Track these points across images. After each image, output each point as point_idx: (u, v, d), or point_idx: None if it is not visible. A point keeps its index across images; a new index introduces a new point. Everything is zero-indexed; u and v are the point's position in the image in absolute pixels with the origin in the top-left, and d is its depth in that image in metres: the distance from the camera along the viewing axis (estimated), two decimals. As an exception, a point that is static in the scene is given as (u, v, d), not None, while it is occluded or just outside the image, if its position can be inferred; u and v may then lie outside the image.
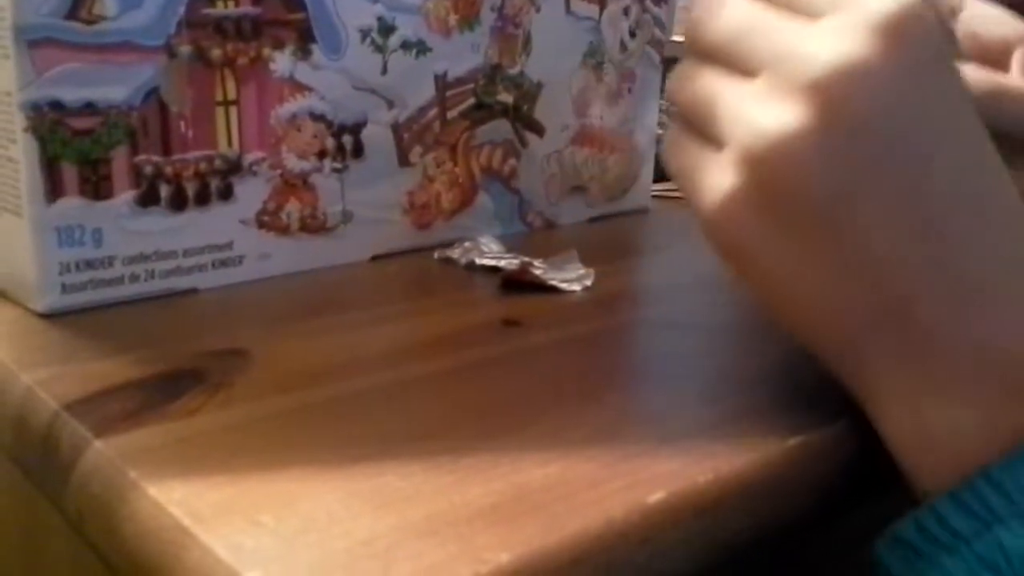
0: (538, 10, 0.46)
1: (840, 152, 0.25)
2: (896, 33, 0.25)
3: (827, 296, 0.27)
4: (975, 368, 0.25)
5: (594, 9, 0.49)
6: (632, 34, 0.51)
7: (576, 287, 0.40)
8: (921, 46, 0.25)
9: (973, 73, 0.37)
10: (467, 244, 0.44)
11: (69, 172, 0.34)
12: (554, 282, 0.40)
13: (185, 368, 0.31)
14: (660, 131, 0.55)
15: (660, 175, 0.55)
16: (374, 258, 0.43)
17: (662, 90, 0.54)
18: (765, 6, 0.28)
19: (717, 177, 0.27)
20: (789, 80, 0.25)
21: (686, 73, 0.29)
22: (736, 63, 0.27)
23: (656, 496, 0.24)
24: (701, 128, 0.28)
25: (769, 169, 0.26)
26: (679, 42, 0.55)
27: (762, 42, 0.27)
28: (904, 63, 0.25)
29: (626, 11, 0.50)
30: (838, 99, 0.25)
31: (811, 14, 0.26)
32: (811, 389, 0.30)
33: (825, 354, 0.28)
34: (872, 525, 0.27)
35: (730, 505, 0.25)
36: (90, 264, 0.35)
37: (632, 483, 0.24)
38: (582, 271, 0.41)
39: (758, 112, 0.26)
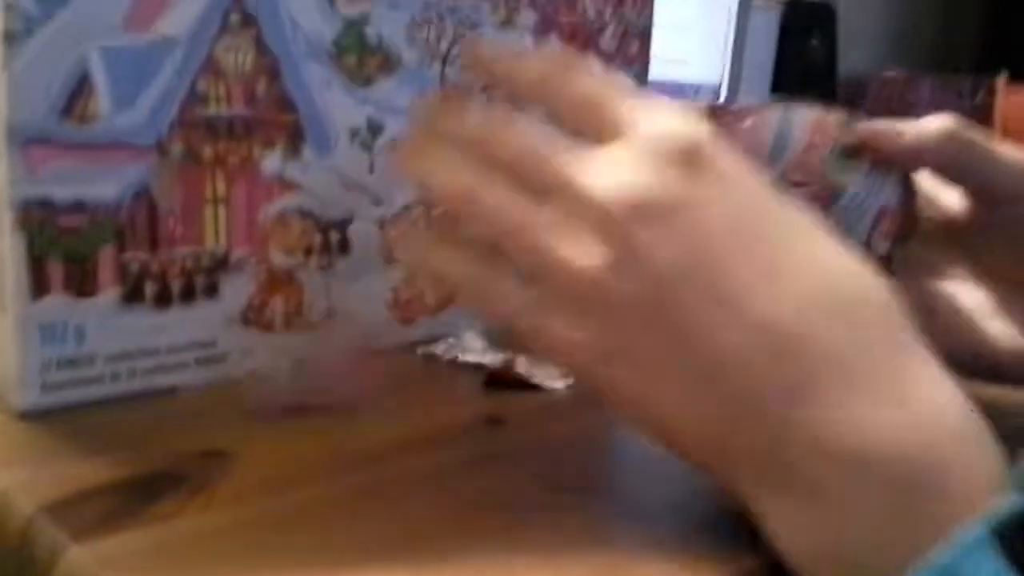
0: (523, 112, 0.47)
1: (634, 284, 0.26)
2: (676, 156, 0.26)
3: (673, 398, 0.27)
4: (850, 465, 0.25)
5: (577, 111, 0.50)
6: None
7: (559, 384, 0.40)
8: (711, 170, 0.27)
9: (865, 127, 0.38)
10: (451, 340, 0.44)
11: (55, 269, 0.34)
12: (538, 380, 0.40)
13: (164, 470, 0.30)
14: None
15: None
16: (358, 354, 0.43)
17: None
18: (556, 128, 0.29)
19: (543, 318, 0.28)
20: (577, 213, 0.27)
21: (473, 172, 0.29)
22: (521, 176, 0.28)
23: (644, 607, 0.24)
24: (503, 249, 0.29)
25: (576, 303, 0.27)
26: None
27: (548, 170, 0.28)
28: (693, 187, 0.27)
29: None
30: (623, 230, 0.26)
31: (600, 138, 0.28)
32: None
33: (696, 462, 0.28)
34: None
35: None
36: (72, 362, 0.35)
37: (620, 593, 0.24)
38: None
39: (557, 245, 0.27)
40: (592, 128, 0.28)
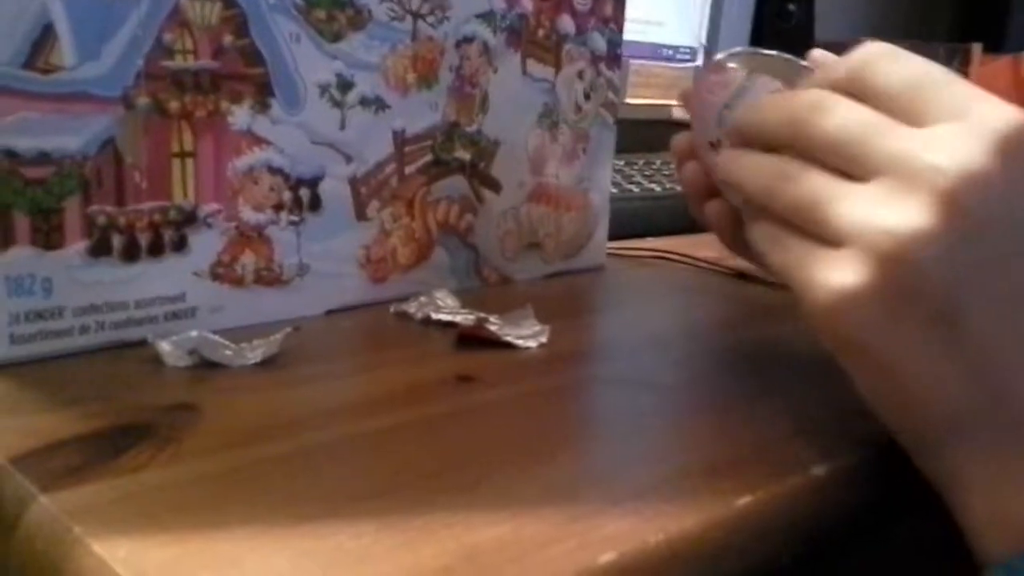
0: (495, 71, 0.47)
1: (962, 253, 0.26)
2: (1012, 144, 0.26)
3: (929, 387, 0.28)
4: None
5: (550, 72, 0.50)
6: (587, 96, 0.52)
7: (531, 343, 0.40)
8: None
9: None
10: (423, 299, 0.44)
11: (21, 221, 0.34)
12: (509, 338, 0.40)
13: (133, 422, 0.30)
14: (615, 190, 0.56)
15: (616, 233, 0.56)
16: (329, 312, 0.43)
17: (617, 150, 0.55)
18: (874, 111, 0.29)
19: (837, 274, 0.28)
20: (911, 184, 0.27)
21: (785, 172, 0.30)
22: (847, 166, 0.29)
23: (607, 557, 0.24)
24: (805, 227, 0.29)
25: (896, 266, 0.27)
26: (633, 104, 0.56)
27: (877, 147, 0.28)
28: (1019, 173, 0.27)
29: (580, 74, 0.51)
30: (960, 204, 0.26)
31: (924, 121, 0.28)
32: (760, 448, 0.31)
33: (907, 437, 0.30)
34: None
35: (680, 566, 0.25)
36: (40, 315, 0.34)
37: (583, 544, 0.24)
38: (537, 328, 0.41)
39: (883, 212, 0.27)
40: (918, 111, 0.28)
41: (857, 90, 0.30)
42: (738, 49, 0.39)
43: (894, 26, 1.47)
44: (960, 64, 1.16)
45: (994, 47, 1.20)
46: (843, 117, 0.29)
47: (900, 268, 0.26)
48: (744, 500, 0.27)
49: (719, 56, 0.39)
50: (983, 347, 0.27)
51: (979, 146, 0.26)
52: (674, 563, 0.25)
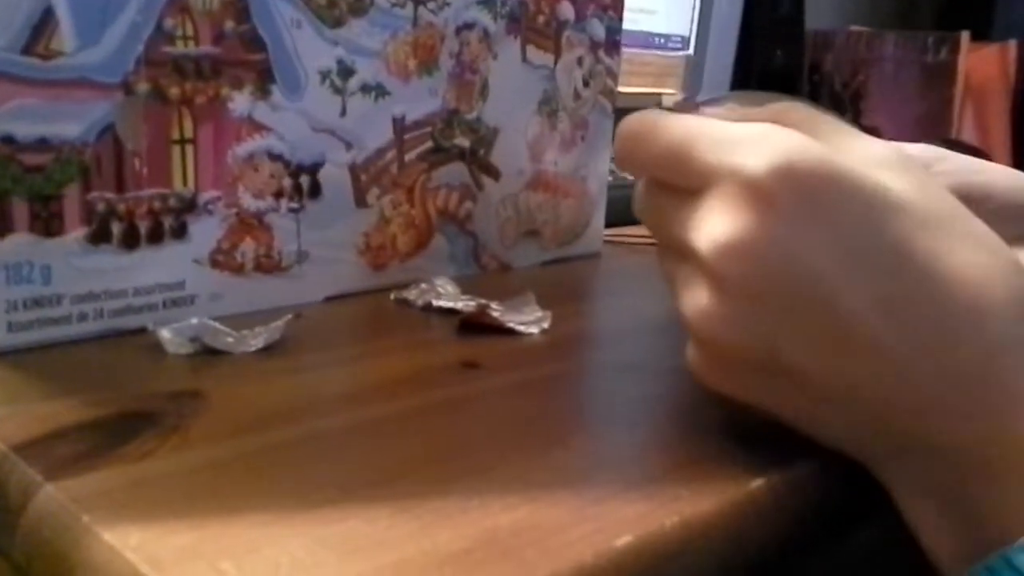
0: (495, 57, 0.47)
1: (747, 316, 0.27)
2: (771, 193, 0.26)
3: (806, 423, 0.29)
4: (979, 465, 0.26)
5: (549, 58, 0.50)
6: (586, 83, 0.52)
7: (534, 329, 0.40)
8: (801, 195, 0.26)
9: None
10: (423, 286, 0.44)
11: (19, 208, 0.33)
12: (512, 324, 0.40)
13: (138, 410, 0.30)
14: (610, 178, 0.56)
15: (612, 221, 0.56)
16: (328, 299, 0.43)
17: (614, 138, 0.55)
18: (658, 195, 0.31)
19: (687, 350, 0.30)
20: (690, 265, 0.29)
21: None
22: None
23: (624, 540, 0.24)
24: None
25: (706, 345, 0.29)
26: (624, 93, 0.57)
27: (666, 236, 0.30)
28: (783, 219, 0.26)
29: (580, 61, 0.51)
30: (727, 274, 0.27)
31: (698, 192, 0.28)
32: (770, 432, 0.31)
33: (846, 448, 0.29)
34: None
35: (697, 548, 0.25)
36: (38, 302, 0.34)
37: (600, 527, 0.24)
38: (539, 313, 0.41)
39: (681, 301, 0.29)
40: (684, 182, 0.29)
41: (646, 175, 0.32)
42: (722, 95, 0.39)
43: (882, 15, 1.48)
44: (949, 52, 1.16)
45: (982, 35, 1.21)
46: (644, 205, 0.32)
47: (709, 345, 0.29)
48: (758, 483, 0.27)
49: (699, 99, 0.39)
50: (812, 376, 0.27)
51: (720, 212, 0.27)
52: (690, 546, 0.25)
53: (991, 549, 0.25)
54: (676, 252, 0.30)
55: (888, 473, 0.28)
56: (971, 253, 0.27)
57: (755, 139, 0.27)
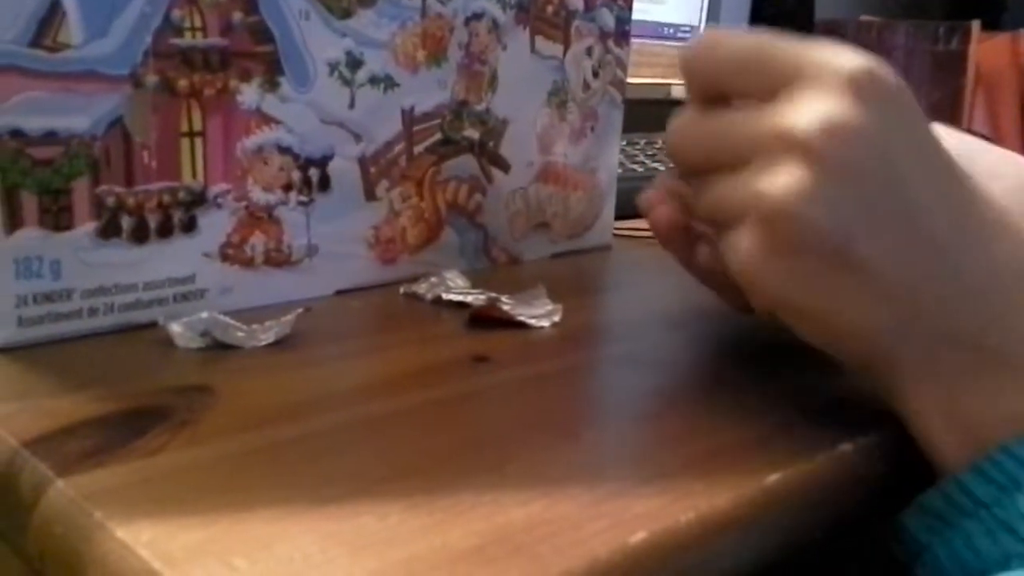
0: (504, 48, 0.46)
1: (838, 198, 0.28)
2: (863, 86, 0.29)
3: (855, 319, 0.30)
4: (996, 359, 0.29)
5: (558, 49, 0.49)
6: (595, 74, 0.52)
7: (544, 323, 0.40)
8: (886, 94, 0.29)
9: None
10: (433, 279, 0.44)
11: (29, 202, 0.33)
12: (523, 318, 0.40)
13: (148, 405, 0.30)
14: (620, 170, 0.56)
15: (622, 213, 0.56)
16: (338, 293, 0.42)
17: (624, 129, 0.55)
18: (722, 113, 0.32)
19: (740, 248, 0.30)
20: (774, 152, 0.29)
21: (698, 189, 0.33)
22: (727, 163, 0.31)
23: (639, 536, 0.24)
24: (723, 225, 0.32)
25: (782, 223, 0.29)
26: (633, 84, 0.56)
27: (739, 137, 0.31)
28: (875, 111, 0.29)
29: (589, 51, 0.51)
30: (828, 153, 0.28)
31: (772, 93, 0.30)
32: (782, 425, 0.30)
33: (857, 364, 0.31)
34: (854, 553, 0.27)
35: (711, 544, 0.25)
36: (48, 297, 0.34)
37: (614, 523, 0.24)
38: (550, 307, 0.41)
39: (760, 184, 0.29)
40: (765, 85, 0.30)
41: (710, 92, 0.33)
42: None
43: (892, 5, 1.47)
44: (959, 42, 1.16)
45: (992, 24, 1.20)
46: (701, 130, 0.33)
47: (785, 224, 0.29)
48: (773, 477, 0.27)
49: None
50: (880, 270, 0.29)
51: (834, 95, 0.29)
52: (705, 541, 0.25)
53: (991, 441, 0.28)
54: (748, 151, 0.30)
55: (906, 374, 0.30)
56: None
57: (839, 49, 0.30)
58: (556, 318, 0.40)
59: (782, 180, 0.28)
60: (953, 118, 1.15)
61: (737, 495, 0.26)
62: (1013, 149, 0.41)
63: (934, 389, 0.29)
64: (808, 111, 0.29)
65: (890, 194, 0.29)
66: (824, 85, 0.29)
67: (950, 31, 1.16)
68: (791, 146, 0.28)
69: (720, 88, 0.32)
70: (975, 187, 0.30)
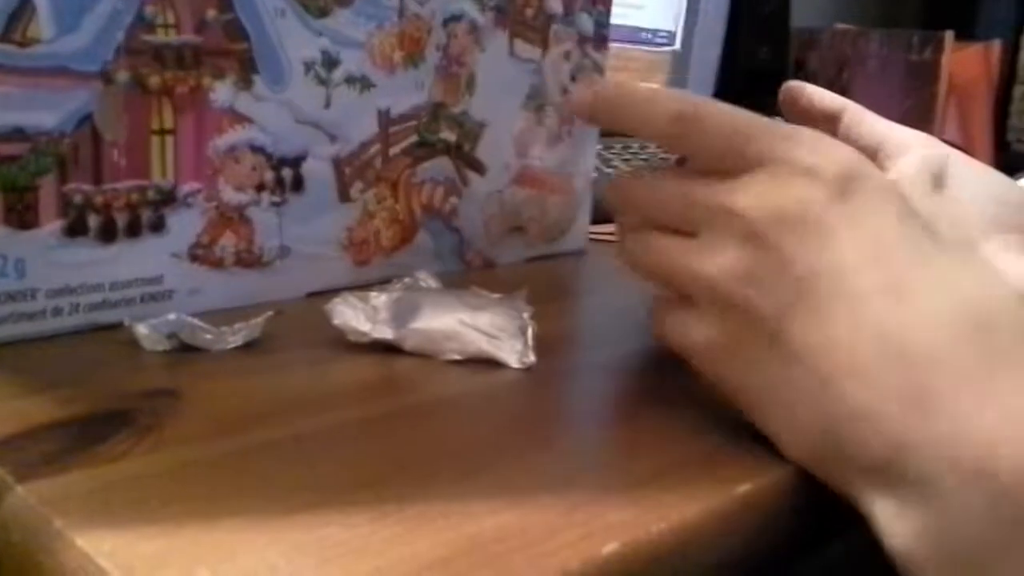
0: (483, 51, 0.46)
1: (774, 278, 0.29)
2: (839, 183, 0.29)
3: (796, 416, 0.28)
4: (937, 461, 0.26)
5: (536, 52, 0.49)
6: (573, 78, 0.51)
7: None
8: (862, 193, 0.29)
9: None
10: (406, 281, 0.43)
11: (-7, 199, 0.32)
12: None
13: (112, 409, 0.29)
14: (595, 175, 0.56)
15: (597, 218, 0.55)
16: (310, 295, 0.42)
17: (601, 135, 0.54)
18: (687, 177, 0.32)
19: (690, 330, 0.31)
20: (723, 231, 0.30)
21: (640, 246, 0.34)
22: (684, 228, 0.32)
23: (610, 547, 0.23)
24: (669, 288, 0.33)
25: (726, 309, 0.30)
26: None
27: (695, 205, 0.31)
28: (829, 207, 0.29)
29: (567, 55, 0.51)
30: (763, 238, 0.29)
31: (732, 173, 0.30)
32: (754, 435, 0.30)
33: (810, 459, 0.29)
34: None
35: (683, 554, 0.25)
36: (11, 296, 0.33)
37: (586, 534, 0.24)
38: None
39: (705, 263, 0.30)
40: (734, 162, 0.31)
41: (685, 151, 0.34)
42: None
43: (867, 13, 1.48)
44: (933, 52, 1.17)
45: (966, 35, 1.21)
46: (657, 183, 0.33)
47: (729, 310, 0.30)
48: (745, 487, 0.27)
49: None
50: (812, 352, 0.28)
51: (783, 185, 0.29)
52: (677, 552, 0.25)
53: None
54: (699, 219, 0.31)
55: (866, 487, 0.27)
56: (975, 272, 0.29)
57: (811, 138, 0.30)
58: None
59: (725, 262, 0.29)
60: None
61: (708, 506, 0.26)
62: (982, 157, 0.41)
63: (897, 504, 0.26)
64: (755, 195, 0.29)
65: (820, 281, 0.28)
66: (781, 175, 0.29)
67: (924, 40, 1.17)
68: (735, 226, 0.29)
69: (695, 156, 0.33)
70: (945, 296, 0.28)
